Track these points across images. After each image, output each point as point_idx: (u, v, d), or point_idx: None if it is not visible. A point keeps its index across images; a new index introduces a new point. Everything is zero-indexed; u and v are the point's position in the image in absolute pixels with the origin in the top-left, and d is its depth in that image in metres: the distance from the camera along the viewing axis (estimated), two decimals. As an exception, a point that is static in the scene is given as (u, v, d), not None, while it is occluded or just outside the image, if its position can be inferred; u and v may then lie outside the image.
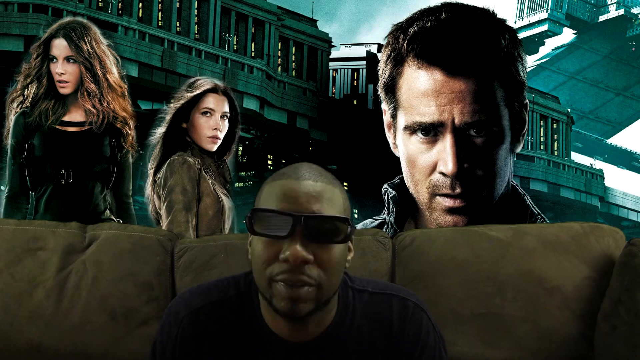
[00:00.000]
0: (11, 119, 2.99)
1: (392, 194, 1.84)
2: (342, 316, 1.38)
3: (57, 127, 2.96)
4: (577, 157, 45.75)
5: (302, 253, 1.25)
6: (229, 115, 2.94)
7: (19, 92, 3.01)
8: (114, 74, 3.02)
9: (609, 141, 62.18)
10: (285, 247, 1.26)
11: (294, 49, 37.67)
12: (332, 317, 1.37)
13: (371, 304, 1.39)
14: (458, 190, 1.68)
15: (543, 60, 64.04)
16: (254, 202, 1.35)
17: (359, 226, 1.93)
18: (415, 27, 1.68)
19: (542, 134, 41.97)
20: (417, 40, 1.67)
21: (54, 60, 2.95)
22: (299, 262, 1.25)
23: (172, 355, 1.39)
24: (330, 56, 39.15)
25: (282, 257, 1.26)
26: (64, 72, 2.94)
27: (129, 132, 3.04)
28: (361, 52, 40.63)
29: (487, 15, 1.71)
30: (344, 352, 1.37)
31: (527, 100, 1.77)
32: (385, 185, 1.88)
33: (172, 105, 2.93)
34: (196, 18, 33.78)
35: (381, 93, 1.80)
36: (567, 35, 64.34)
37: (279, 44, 36.93)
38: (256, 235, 1.30)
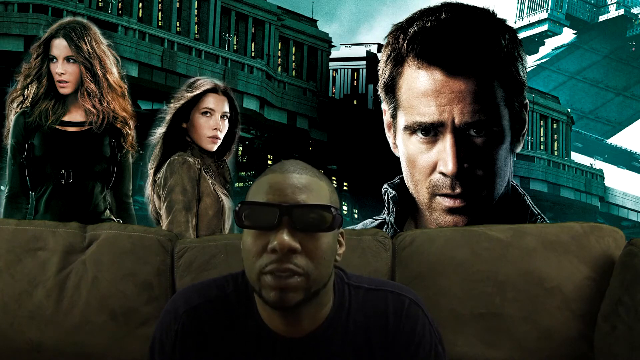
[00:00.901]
0: (11, 119, 2.99)
1: (392, 194, 1.84)
2: (337, 312, 1.38)
3: (57, 127, 2.96)
4: (577, 157, 45.76)
5: (289, 242, 1.27)
6: (229, 115, 2.94)
7: (19, 92, 3.01)
8: (114, 74, 3.02)
9: (609, 141, 62.17)
10: (272, 238, 1.28)
11: (294, 49, 37.67)
12: (327, 313, 1.38)
13: (367, 300, 1.40)
14: (458, 190, 1.68)
15: (543, 60, 64.04)
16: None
17: (358, 226, 1.93)
18: (415, 27, 1.68)
19: (542, 134, 41.96)
20: (417, 40, 1.67)
21: (54, 60, 2.95)
22: (285, 251, 1.27)
23: (172, 351, 1.39)
24: (330, 56, 39.16)
25: (269, 248, 1.28)
26: (64, 72, 2.94)
27: (129, 132, 3.04)
28: (361, 52, 40.63)
29: (487, 15, 1.71)
30: (339, 348, 1.37)
31: (527, 100, 1.77)
32: (385, 185, 1.88)
33: (172, 105, 2.93)
34: (196, 18, 33.77)
35: (381, 93, 1.80)
36: (567, 35, 64.37)
37: (279, 44, 36.93)
38: (244, 228, 1.32)
